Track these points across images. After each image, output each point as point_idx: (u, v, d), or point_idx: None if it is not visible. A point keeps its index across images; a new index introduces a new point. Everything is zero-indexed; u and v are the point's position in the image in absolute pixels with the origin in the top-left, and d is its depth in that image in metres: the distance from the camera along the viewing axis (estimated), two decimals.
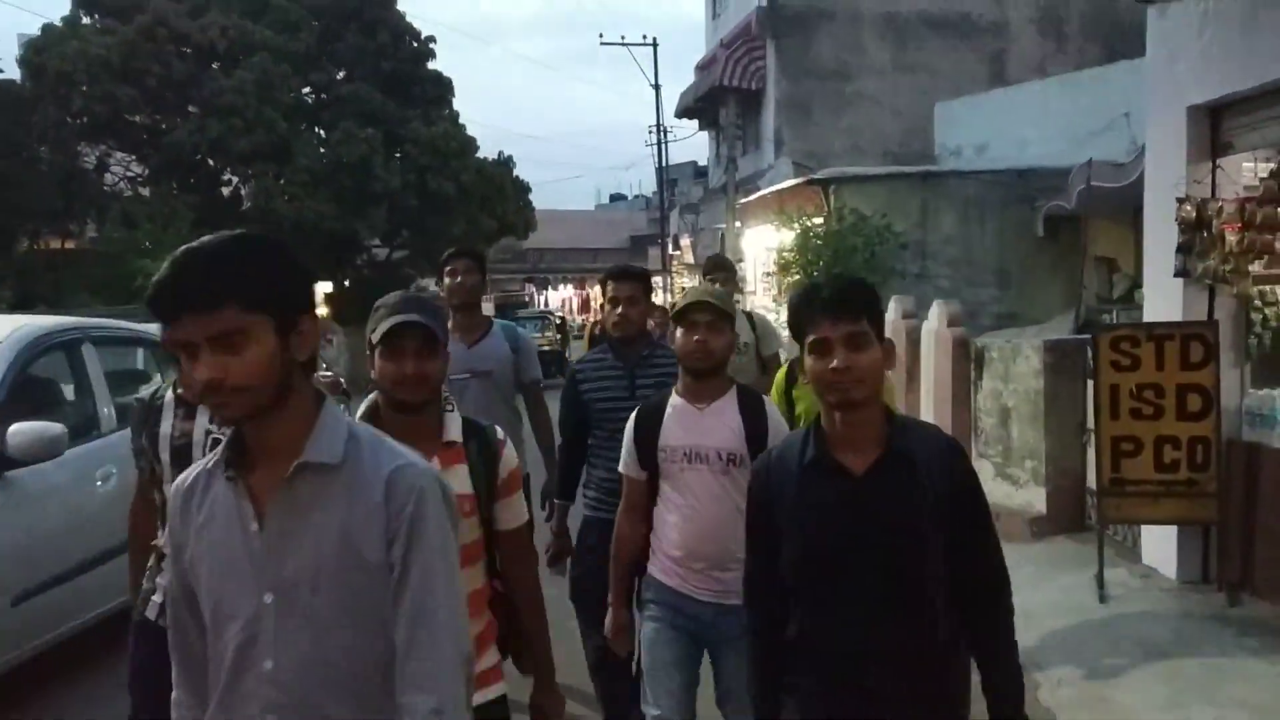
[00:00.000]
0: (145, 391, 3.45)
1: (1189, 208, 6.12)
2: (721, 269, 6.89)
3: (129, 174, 26.59)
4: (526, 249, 47.29)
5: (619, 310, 4.28)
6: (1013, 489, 8.42)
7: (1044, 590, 6.69)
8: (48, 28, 24.62)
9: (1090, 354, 6.73)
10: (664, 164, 38.56)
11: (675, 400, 3.52)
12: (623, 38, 32.88)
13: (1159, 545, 6.72)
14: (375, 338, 2.61)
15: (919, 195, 16.51)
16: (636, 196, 68.70)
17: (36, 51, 23.74)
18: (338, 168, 24.61)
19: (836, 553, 2.32)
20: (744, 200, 21.96)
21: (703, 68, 27.43)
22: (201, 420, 3.19)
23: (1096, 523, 6.77)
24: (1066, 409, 7.97)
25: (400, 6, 27.70)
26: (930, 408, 9.60)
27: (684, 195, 42.28)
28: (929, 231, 16.42)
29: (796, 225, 15.99)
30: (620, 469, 3.63)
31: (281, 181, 24.67)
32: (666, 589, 3.47)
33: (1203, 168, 6.23)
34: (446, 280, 4.97)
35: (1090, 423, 6.96)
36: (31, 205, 21.92)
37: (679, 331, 3.45)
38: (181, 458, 3.15)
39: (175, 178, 25.14)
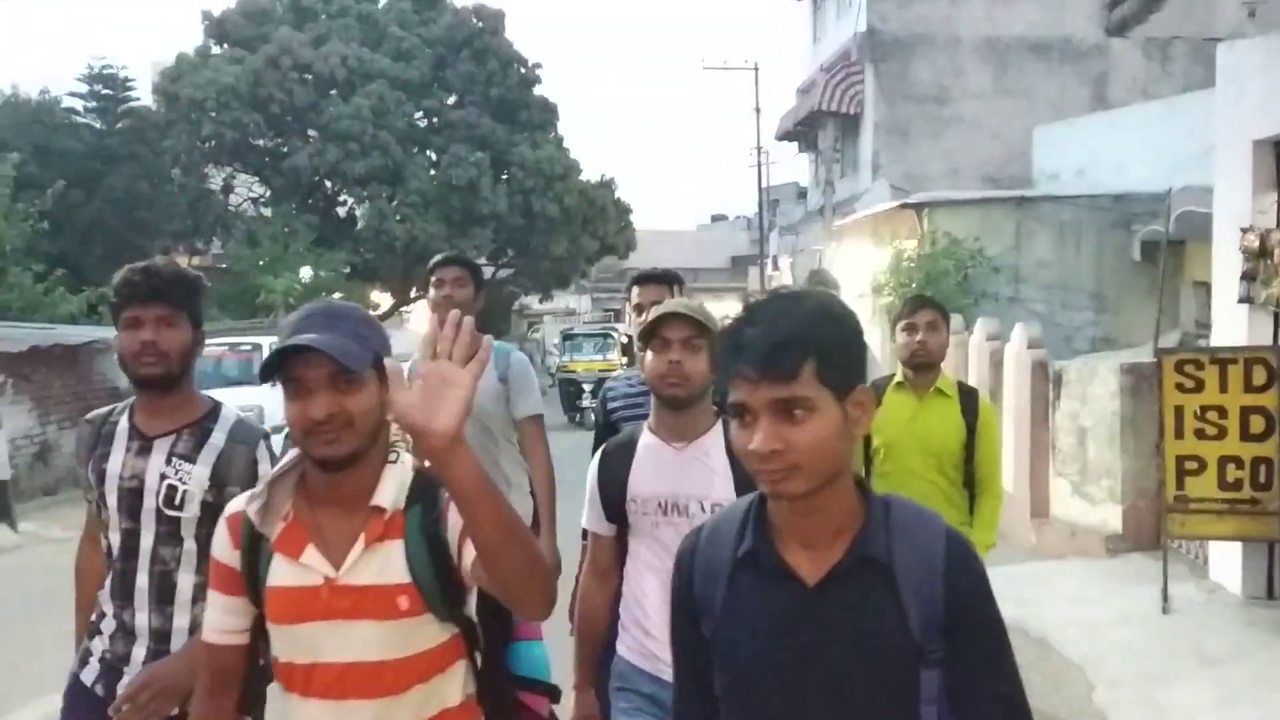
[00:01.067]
0: (95, 413, 2.81)
1: (1252, 237, 6.38)
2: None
3: (252, 195, 28.09)
4: (627, 268, 48.07)
5: (644, 317, 3.48)
6: (1089, 507, 8.66)
7: (1111, 603, 6.97)
8: (181, 57, 26.15)
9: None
10: (764, 185, 38.96)
11: (647, 439, 2.86)
12: (724, 62, 33.41)
13: (1225, 562, 6.95)
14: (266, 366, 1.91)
15: (1013, 219, 16.65)
16: (738, 217, 69.04)
17: (171, 80, 25.27)
18: (447, 190, 25.67)
19: (776, 692, 1.62)
20: (840, 222, 22.27)
21: (803, 91, 27.84)
22: (156, 460, 2.60)
23: (1162, 538, 7.02)
24: (1143, 429, 8.17)
25: (508, 34, 28.70)
26: (1010, 428, 9.87)
27: (786, 216, 42.59)
28: (1023, 255, 16.55)
29: (889, 248, 16.30)
30: (584, 524, 2.99)
31: (394, 203, 25.80)
32: (637, 672, 2.81)
33: (1267, 199, 6.48)
34: (432, 292, 4.19)
35: None
36: (163, 224, 23.33)
37: (649, 354, 2.81)
38: (130, 504, 2.60)
39: (295, 199, 26.47)
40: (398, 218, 25.61)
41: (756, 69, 34.17)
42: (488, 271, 30.36)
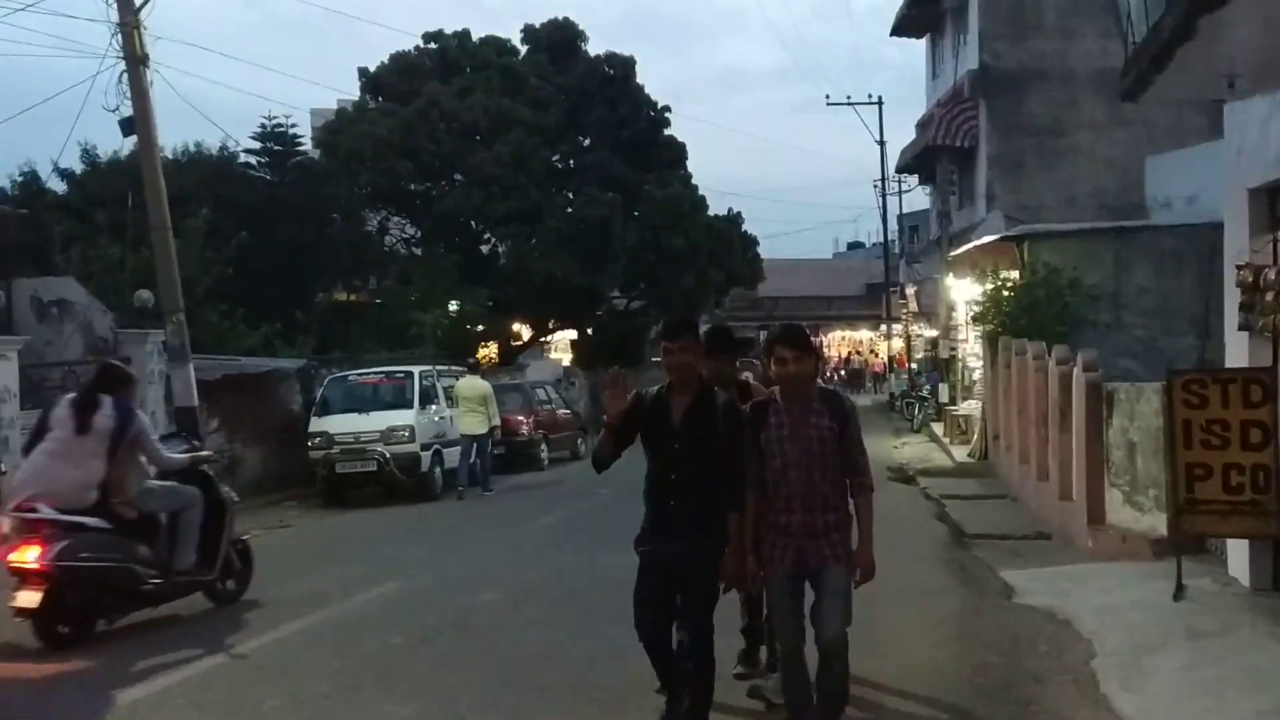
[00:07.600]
0: None
1: (1246, 273, 7.36)
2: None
3: (404, 236, 30.41)
4: (761, 297, 49.23)
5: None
6: (1139, 514, 9.57)
7: (1132, 593, 7.97)
8: (341, 112, 28.66)
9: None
10: (892, 214, 39.84)
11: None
12: (848, 98, 34.49)
13: (1240, 558, 7.86)
14: None
15: (1112, 248, 17.36)
16: (874, 244, 69.30)
17: (331, 133, 27.76)
18: (582, 228, 27.42)
19: None
20: (954, 253, 23.13)
21: (921, 126, 28.76)
22: None
23: (1191, 536, 7.98)
24: None
25: (639, 79, 30.42)
26: (1074, 444, 10.80)
27: (923, 242, 43.16)
28: (1122, 283, 17.23)
29: (990, 278, 17.21)
30: None
31: (533, 241, 27.70)
32: None
33: (1260, 239, 7.45)
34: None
35: None
36: (327, 265, 25.65)
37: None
38: None
39: (443, 239, 28.64)
40: (536, 255, 27.44)
41: (880, 103, 35.14)
42: (620, 304, 32.03)
